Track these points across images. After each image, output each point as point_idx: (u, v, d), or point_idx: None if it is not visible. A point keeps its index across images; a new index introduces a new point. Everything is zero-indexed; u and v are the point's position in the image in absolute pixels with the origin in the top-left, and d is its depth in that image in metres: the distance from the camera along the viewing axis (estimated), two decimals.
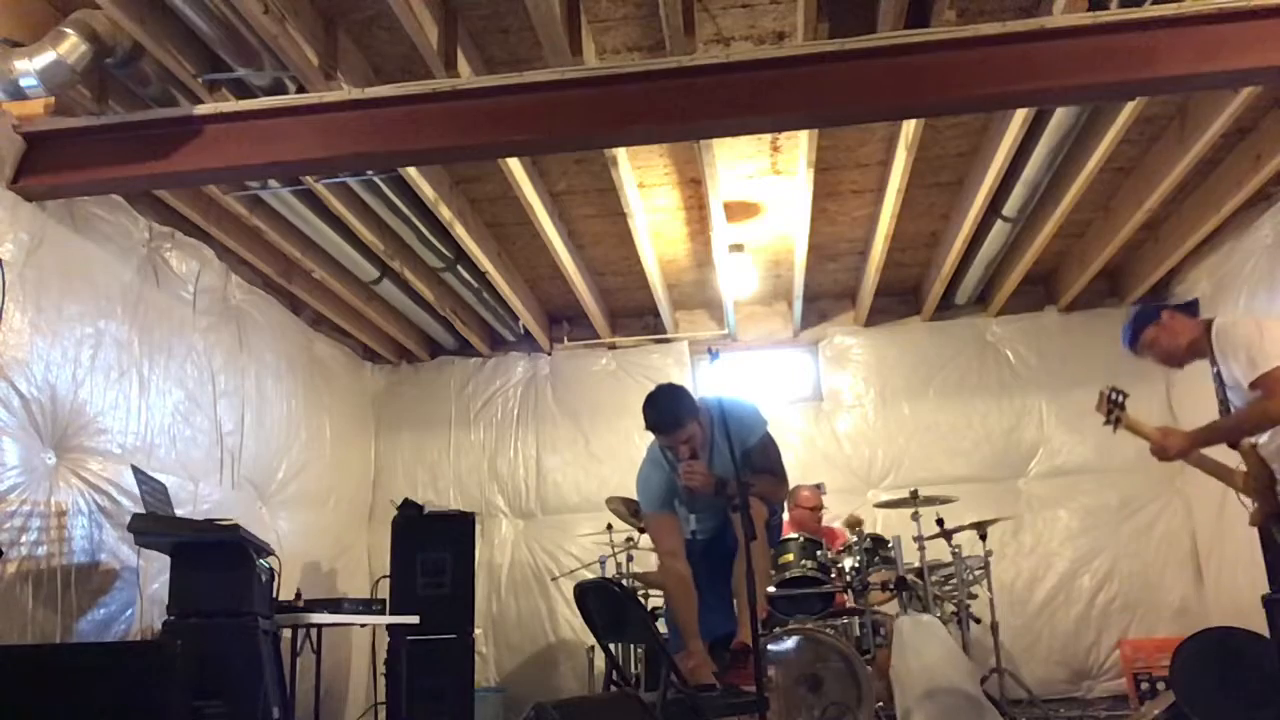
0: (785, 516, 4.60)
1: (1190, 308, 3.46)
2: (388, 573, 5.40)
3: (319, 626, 4.46)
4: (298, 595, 4.45)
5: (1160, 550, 6.05)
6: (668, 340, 6.81)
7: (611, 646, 3.72)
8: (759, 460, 3.47)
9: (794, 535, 4.77)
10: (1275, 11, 3.02)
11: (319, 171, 4.12)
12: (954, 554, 4.82)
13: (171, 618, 3.49)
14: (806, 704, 4.05)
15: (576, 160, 4.78)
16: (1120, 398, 3.53)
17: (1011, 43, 3.13)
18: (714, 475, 3.32)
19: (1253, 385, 3.09)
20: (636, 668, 5.01)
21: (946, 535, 4.86)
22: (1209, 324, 3.34)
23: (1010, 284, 6.07)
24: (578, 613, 3.18)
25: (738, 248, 5.70)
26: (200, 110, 3.44)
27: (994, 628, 4.81)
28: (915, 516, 4.79)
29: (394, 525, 5.50)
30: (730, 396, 3.53)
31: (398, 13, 3.27)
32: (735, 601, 3.39)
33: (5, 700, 2.64)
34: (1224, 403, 3.33)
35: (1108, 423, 3.57)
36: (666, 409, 3.34)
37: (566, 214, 5.36)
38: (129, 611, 3.93)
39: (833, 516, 6.02)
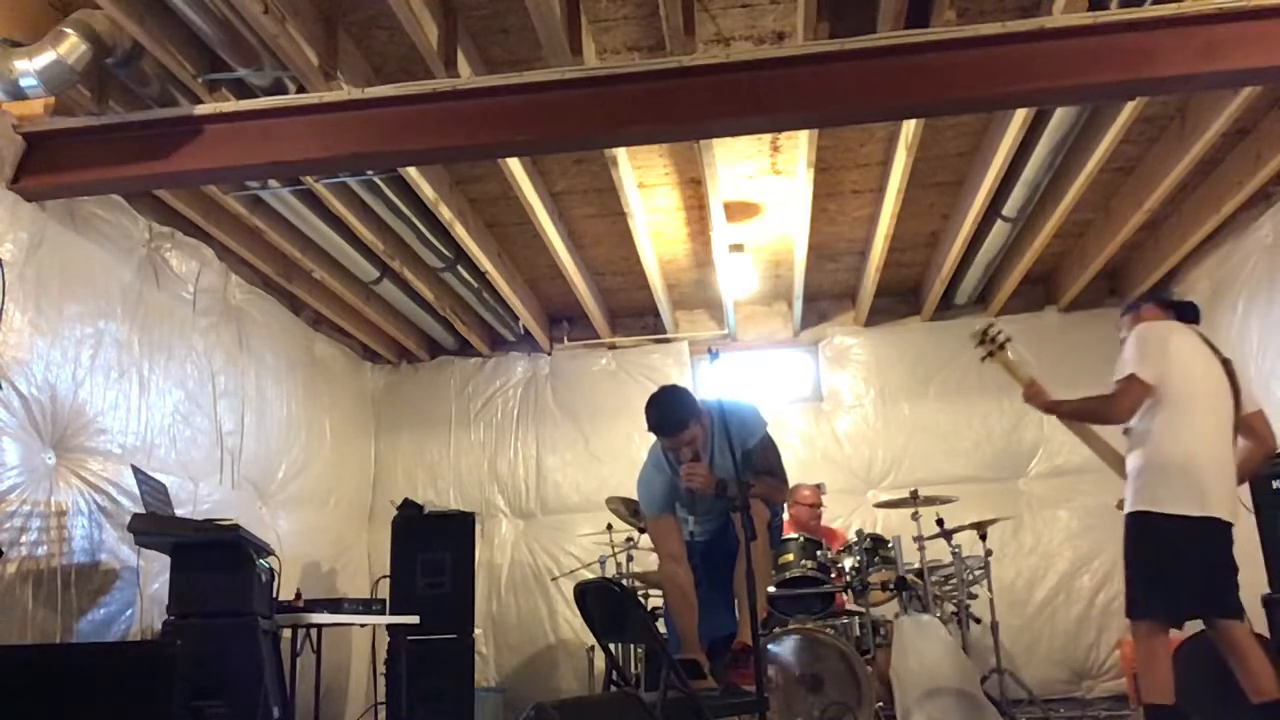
0: (784, 516, 4.60)
1: (1182, 308, 3.57)
2: (388, 573, 5.40)
3: (319, 626, 4.46)
4: (298, 595, 4.45)
5: None
6: (668, 340, 6.81)
7: (611, 646, 3.72)
8: (759, 461, 3.47)
9: (794, 535, 4.77)
10: (1275, 11, 3.02)
11: (319, 171, 4.12)
12: (954, 554, 4.81)
13: (171, 618, 3.49)
14: (806, 704, 4.05)
15: (576, 160, 4.78)
16: (1002, 338, 3.91)
17: (1011, 43, 3.13)
18: (715, 476, 3.32)
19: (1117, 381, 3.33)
20: (636, 668, 5.00)
21: (946, 535, 4.85)
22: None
23: (1010, 284, 6.07)
24: (578, 613, 3.17)
25: (738, 248, 5.70)
26: (200, 110, 3.44)
27: (994, 628, 4.80)
28: (915, 516, 4.79)
29: (394, 525, 5.50)
30: (730, 398, 3.53)
31: (398, 13, 3.27)
32: (736, 601, 3.39)
33: (5, 700, 2.64)
34: None
35: (983, 355, 3.95)
36: (669, 411, 3.34)
37: (566, 214, 5.36)
38: (129, 611, 3.93)
39: (832, 516, 6.02)
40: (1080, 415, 3.58)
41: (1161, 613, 3.23)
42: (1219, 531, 3.18)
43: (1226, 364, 3.35)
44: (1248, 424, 3.35)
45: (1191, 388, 3.26)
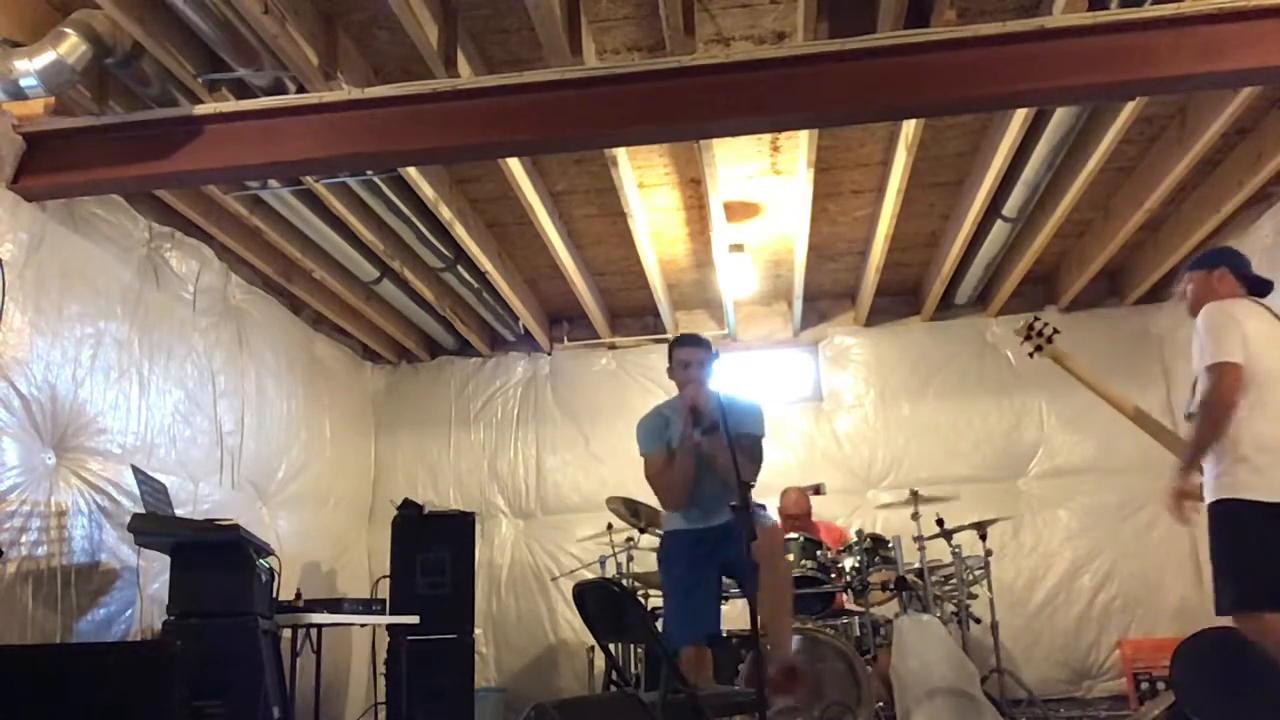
0: (776, 519, 4.57)
1: (1257, 284, 3.34)
2: (388, 573, 5.40)
3: (319, 626, 4.46)
4: (298, 595, 4.45)
5: (1160, 550, 6.04)
6: (668, 340, 6.79)
7: (611, 646, 3.72)
8: (746, 443, 3.46)
9: (794, 535, 4.77)
10: (1275, 11, 3.03)
11: (319, 171, 4.12)
12: (954, 554, 4.82)
13: (171, 618, 3.49)
14: (806, 704, 4.05)
15: (576, 160, 4.78)
16: (1049, 330, 3.79)
17: (1011, 43, 3.13)
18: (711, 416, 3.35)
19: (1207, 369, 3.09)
20: (636, 668, 5.01)
21: (946, 535, 4.86)
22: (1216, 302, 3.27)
23: (1010, 284, 6.07)
24: (578, 613, 3.17)
25: (738, 248, 5.70)
26: (200, 110, 3.44)
27: (994, 628, 4.81)
28: (915, 516, 4.79)
29: (394, 525, 5.50)
30: (735, 395, 3.57)
31: (398, 13, 3.27)
32: (769, 626, 3.32)
33: (5, 700, 2.64)
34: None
35: (1030, 350, 3.84)
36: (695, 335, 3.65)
37: (566, 214, 5.36)
38: (129, 611, 3.93)
39: (832, 516, 6.02)
40: (1203, 446, 3.12)
41: (1265, 602, 2.96)
42: None
43: None
44: None
45: (1269, 368, 3.06)
